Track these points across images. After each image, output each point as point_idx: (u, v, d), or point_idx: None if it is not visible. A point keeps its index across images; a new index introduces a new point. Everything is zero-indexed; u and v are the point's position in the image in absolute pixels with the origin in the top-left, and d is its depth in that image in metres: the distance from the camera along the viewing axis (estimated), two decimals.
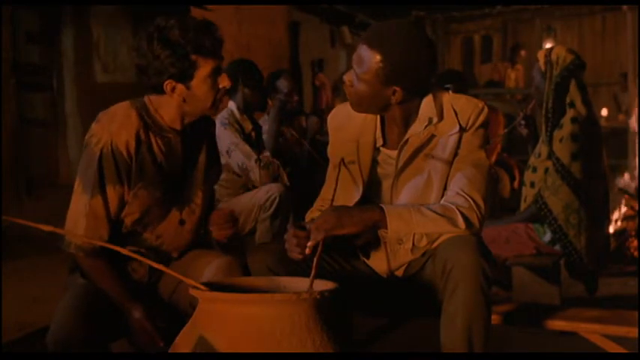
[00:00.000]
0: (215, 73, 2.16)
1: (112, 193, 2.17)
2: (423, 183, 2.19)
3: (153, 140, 2.21)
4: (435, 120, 2.19)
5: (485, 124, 2.21)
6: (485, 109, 2.21)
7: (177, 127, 2.23)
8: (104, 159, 2.15)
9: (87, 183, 2.17)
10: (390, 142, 2.25)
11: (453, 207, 2.10)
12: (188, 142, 2.28)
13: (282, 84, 4.39)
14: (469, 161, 2.17)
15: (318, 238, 1.99)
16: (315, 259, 1.90)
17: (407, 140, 2.20)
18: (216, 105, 2.22)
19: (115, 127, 2.16)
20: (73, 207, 2.21)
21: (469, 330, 2.03)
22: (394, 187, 2.22)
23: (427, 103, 2.20)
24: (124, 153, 2.15)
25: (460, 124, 2.18)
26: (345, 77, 2.20)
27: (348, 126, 2.30)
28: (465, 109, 2.20)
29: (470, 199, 2.12)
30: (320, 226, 2.01)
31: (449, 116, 2.20)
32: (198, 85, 2.15)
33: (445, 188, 2.18)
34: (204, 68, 2.14)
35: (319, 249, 1.96)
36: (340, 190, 2.23)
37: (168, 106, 2.20)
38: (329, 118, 2.40)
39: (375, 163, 2.26)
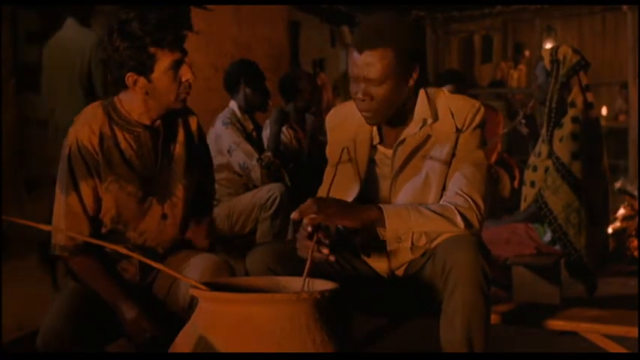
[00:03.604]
0: (176, 66, 2.17)
1: (85, 188, 2.20)
2: (421, 184, 2.18)
3: (119, 135, 2.23)
4: (429, 121, 2.19)
5: (482, 124, 2.21)
6: (482, 109, 2.21)
7: (146, 121, 2.25)
8: (72, 157, 2.19)
9: (62, 183, 2.21)
10: (387, 141, 2.25)
11: (452, 207, 2.09)
12: (161, 135, 2.28)
13: (303, 85, 4.44)
14: (468, 161, 2.17)
15: (318, 219, 1.97)
16: (310, 248, 1.89)
17: (402, 140, 2.20)
18: (181, 98, 2.22)
19: (79, 125, 2.21)
20: (54, 210, 2.24)
21: (469, 329, 2.02)
22: (392, 188, 2.21)
23: (422, 104, 2.20)
24: (90, 148, 2.19)
25: (457, 125, 2.18)
26: (359, 95, 2.12)
27: (345, 125, 2.30)
28: (461, 109, 2.19)
29: (469, 199, 2.11)
30: (322, 209, 1.99)
31: (445, 117, 2.19)
32: (159, 78, 2.17)
33: (444, 189, 2.18)
34: (164, 61, 2.15)
35: (314, 238, 1.94)
36: (337, 188, 2.22)
37: (135, 101, 2.22)
38: (327, 118, 2.40)
39: (372, 162, 2.25)
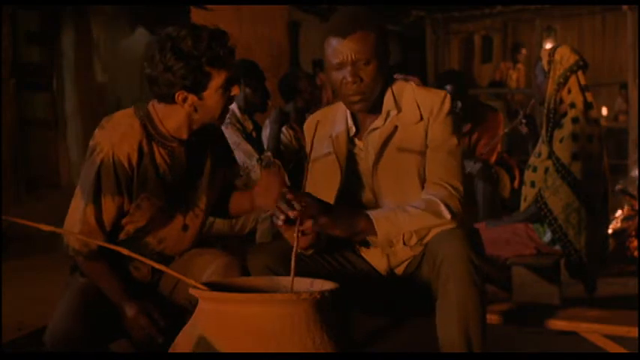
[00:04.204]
0: (228, 84, 2.15)
1: (109, 203, 2.16)
2: (402, 177, 2.20)
3: (156, 150, 2.19)
4: (392, 113, 2.22)
5: (451, 112, 2.23)
6: (448, 97, 2.24)
7: (183, 135, 2.22)
8: (103, 169, 2.14)
9: (84, 190, 2.17)
10: (362, 133, 2.28)
11: (435, 199, 2.12)
12: (192, 149, 2.27)
13: (303, 85, 4.45)
14: (443, 150, 2.20)
15: (307, 226, 1.97)
16: (294, 242, 1.89)
17: (371, 130, 2.24)
18: (225, 114, 2.22)
19: (116, 138, 2.14)
20: (70, 211, 2.21)
21: (465, 324, 2.02)
22: (374, 182, 2.22)
23: (387, 97, 2.24)
24: (126, 165, 2.14)
25: (422, 115, 2.21)
26: (348, 79, 2.15)
27: (323, 124, 2.34)
28: (425, 99, 2.23)
29: (449, 187, 2.14)
30: (317, 224, 1.99)
31: (411, 108, 2.23)
32: (210, 96, 2.14)
33: (423, 179, 2.20)
34: (218, 79, 2.12)
35: (297, 229, 1.93)
36: (320, 182, 2.24)
37: (176, 116, 2.18)
38: (305, 124, 2.43)
39: (351, 155, 2.27)
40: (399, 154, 2.21)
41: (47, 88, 6.43)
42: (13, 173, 5.78)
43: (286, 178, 3.93)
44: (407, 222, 2.08)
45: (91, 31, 6.66)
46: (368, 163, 2.24)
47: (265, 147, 4.05)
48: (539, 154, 3.61)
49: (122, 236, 2.24)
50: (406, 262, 2.26)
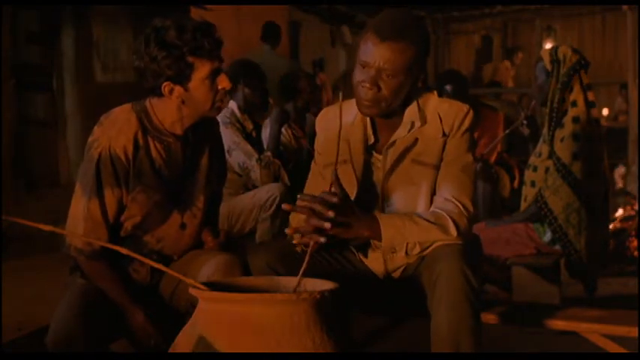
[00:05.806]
0: (213, 75, 2.15)
1: (109, 196, 2.17)
2: (412, 189, 2.17)
3: (151, 144, 2.20)
4: (417, 124, 2.18)
5: (471, 128, 2.20)
6: (471, 113, 2.19)
7: (178, 131, 2.23)
8: (102, 163, 2.15)
9: (85, 186, 2.18)
10: (380, 145, 2.23)
11: (445, 214, 2.09)
12: (190, 145, 2.27)
13: (303, 85, 4.45)
14: (457, 165, 2.16)
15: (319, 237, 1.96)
16: (307, 254, 1.88)
17: (392, 143, 2.19)
18: (216, 106, 2.21)
19: (113, 132, 2.16)
20: (72, 210, 2.21)
21: (456, 342, 1.99)
22: (384, 193, 2.20)
23: (412, 107, 2.19)
24: (122, 157, 2.15)
25: (444, 129, 2.17)
26: (366, 83, 2.09)
27: (337, 125, 2.24)
28: (448, 113, 2.18)
29: (460, 205, 2.11)
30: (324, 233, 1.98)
31: (433, 121, 2.18)
32: (196, 87, 2.14)
33: (433, 192, 2.17)
34: (202, 70, 2.12)
35: (311, 247, 1.93)
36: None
37: (168, 109, 2.19)
38: (317, 119, 2.37)
39: (367, 164, 2.23)
40: (413, 165, 2.17)
41: (47, 88, 6.41)
42: (13, 173, 5.77)
43: (286, 179, 3.94)
44: (413, 232, 2.06)
45: (91, 31, 6.65)
46: (382, 173, 2.20)
47: (265, 147, 4.05)
48: (540, 154, 3.62)
49: (121, 234, 2.24)
50: (402, 267, 2.25)
